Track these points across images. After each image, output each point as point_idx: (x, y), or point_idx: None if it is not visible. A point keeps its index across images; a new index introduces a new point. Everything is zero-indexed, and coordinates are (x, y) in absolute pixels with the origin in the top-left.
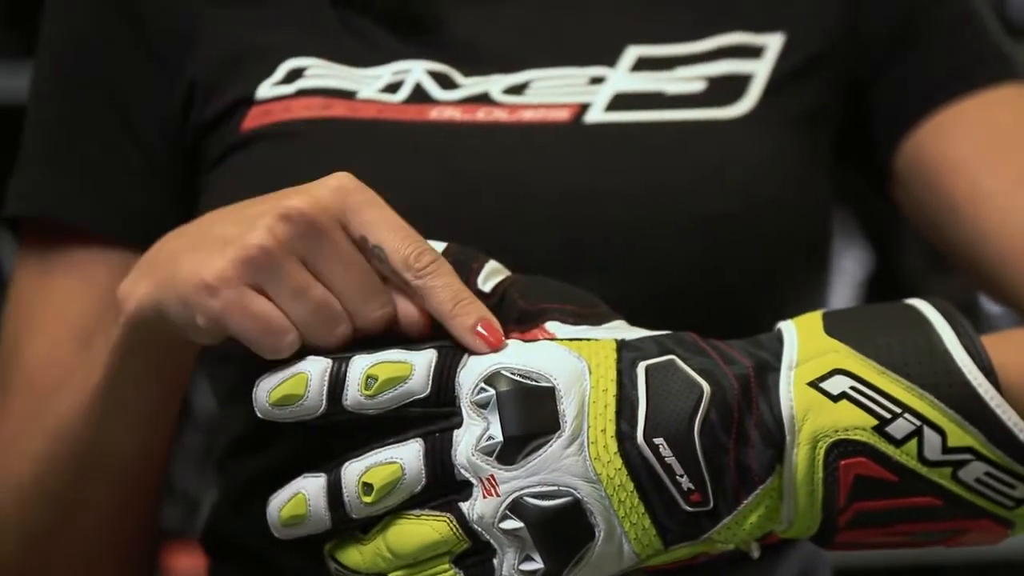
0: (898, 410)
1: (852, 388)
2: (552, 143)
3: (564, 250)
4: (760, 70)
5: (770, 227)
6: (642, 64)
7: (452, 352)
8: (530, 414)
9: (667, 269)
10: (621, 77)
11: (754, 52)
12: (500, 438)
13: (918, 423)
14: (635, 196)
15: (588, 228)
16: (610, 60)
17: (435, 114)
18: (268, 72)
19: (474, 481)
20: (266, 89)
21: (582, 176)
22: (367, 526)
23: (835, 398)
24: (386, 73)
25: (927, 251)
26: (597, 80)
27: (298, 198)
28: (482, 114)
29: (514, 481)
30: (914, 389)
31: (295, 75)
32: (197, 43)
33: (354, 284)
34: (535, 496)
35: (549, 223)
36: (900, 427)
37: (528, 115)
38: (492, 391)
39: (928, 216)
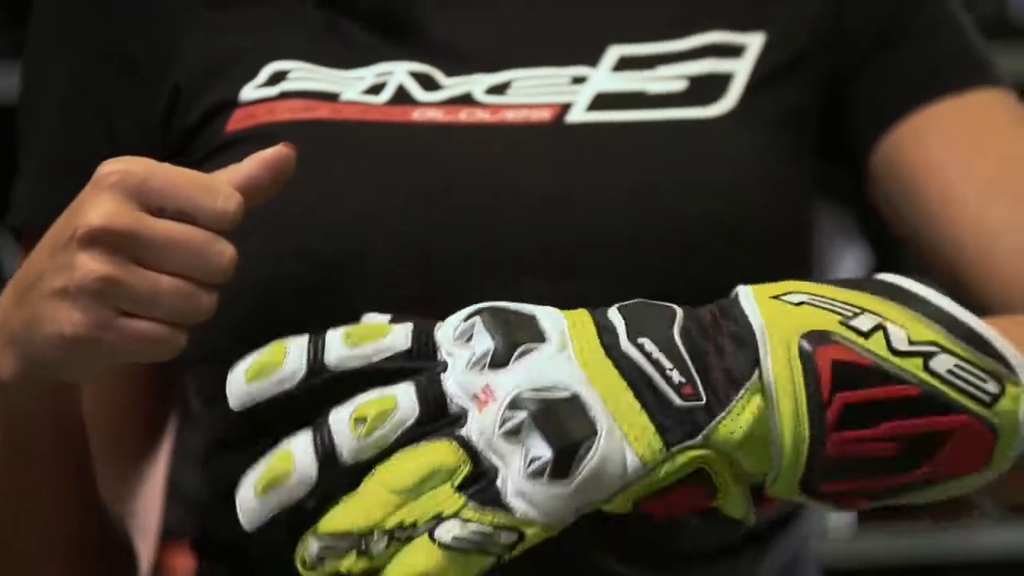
0: (858, 309)
1: (810, 298)
2: (534, 144)
3: (546, 252)
4: (741, 69)
5: (752, 227)
6: (624, 64)
7: (428, 322)
8: (516, 329)
9: (650, 270)
10: (603, 77)
11: (735, 51)
12: (490, 346)
13: (880, 319)
14: (618, 197)
15: (570, 229)
16: (592, 60)
17: (417, 115)
18: (251, 75)
19: (468, 404)
20: (249, 91)
21: (564, 177)
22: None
23: (796, 305)
24: (369, 75)
25: None
26: (579, 80)
27: (86, 216)
28: (464, 115)
29: (510, 380)
30: (869, 295)
31: (278, 78)
32: (181, 50)
33: (188, 255)
34: (533, 390)
35: (531, 225)
36: (864, 321)
37: (510, 115)
38: (474, 321)
39: (903, 218)
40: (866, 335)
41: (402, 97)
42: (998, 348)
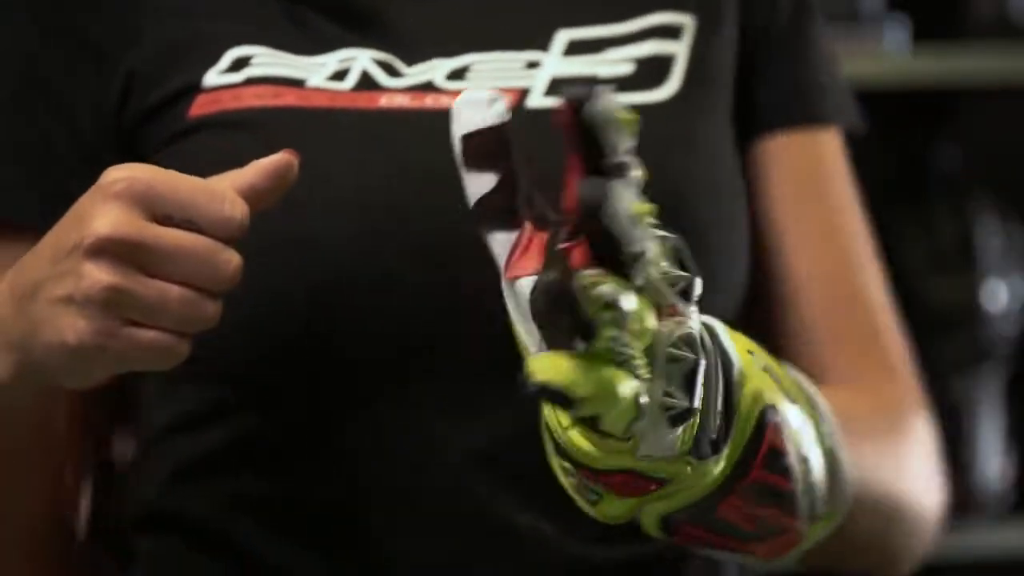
0: (792, 398)
1: (768, 368)
2: None
3: None
4: (680, 51)
5: (706, 210)
6: (574, 48)
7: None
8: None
9: None
10: (555, 61)
11: (674, 32)
12: (689, 278)
13: (804, 415)
14: None
15: None
16: (543, 44)
17: (385, 101)
18: (213, 60)
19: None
20: (213, 77)
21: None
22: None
23: (762, 369)
24: (332, 61)
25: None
26: (533, 64)
27: (92, 224)
28: (431, 100)
29: (695, 317)
30: (797, 385)
31: (242, 63)
32: (139, 33)
33: (195, 264)
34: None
35: None
36: (795, 414)
37: None
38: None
39: None
40: (792, 428)
41: (367, 83)
42: (845, 479)
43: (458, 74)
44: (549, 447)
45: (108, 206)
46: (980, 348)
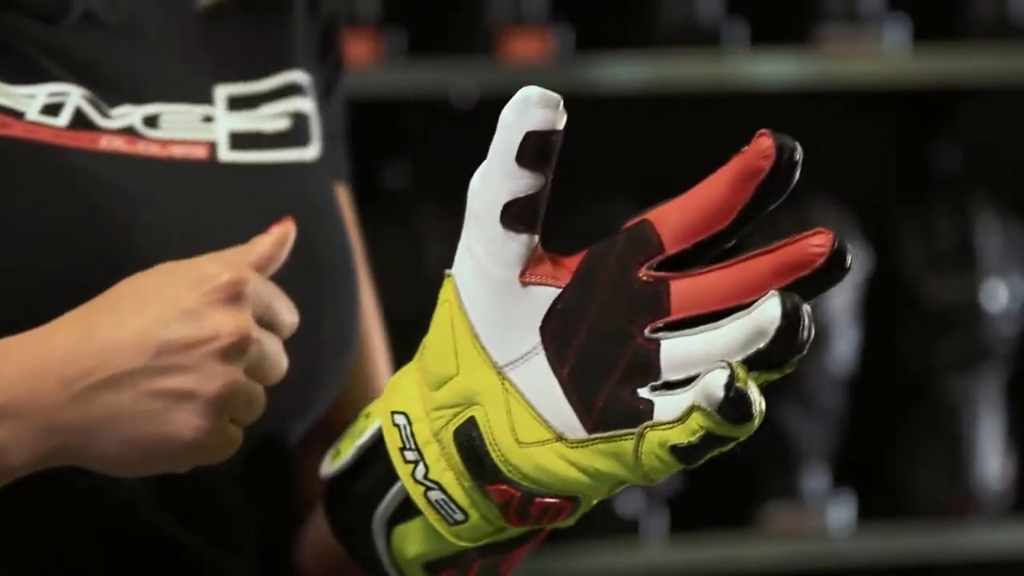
0: None
1: None
2: (203, 183)
3: None
4: (310, 108)
5: (351, 272)
6: (234, 103)
7: None
8: None
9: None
10: (224, 116)
11: (302, 90)
12: None
13: None
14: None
15: None
16: (207, 98)
17: (105, 143)
18: None
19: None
20: None
21: (228, 217)
22: None
23: None
24: (40, 93)
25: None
26: (208, 119)
27: (223, 324)
28: (142, 147)
29: None
30: None
31: None
32: None
33: (277, 365)
34: None
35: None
36: None
37: (176, 151)
38: None
39: None
40: None
41: (82, 122)
42: None
43: (151, 121)
44: (408, 462)
45: (233, 306)
46: (980, 348)
